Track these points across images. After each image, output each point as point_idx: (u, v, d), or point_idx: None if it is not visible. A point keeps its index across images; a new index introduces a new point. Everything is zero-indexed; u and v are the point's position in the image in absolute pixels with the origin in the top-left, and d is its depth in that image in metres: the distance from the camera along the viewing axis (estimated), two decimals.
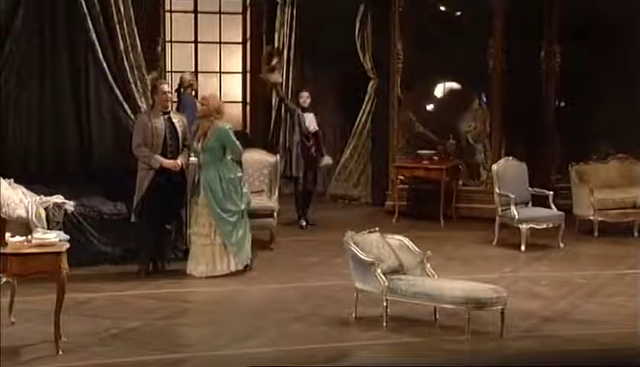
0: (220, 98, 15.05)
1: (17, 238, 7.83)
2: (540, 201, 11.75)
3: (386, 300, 8.33)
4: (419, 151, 13.16)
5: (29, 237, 7.91)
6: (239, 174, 10.10)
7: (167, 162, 9.98)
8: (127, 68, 10.52)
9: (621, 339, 8.19)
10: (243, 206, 10.04)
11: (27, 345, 7.77)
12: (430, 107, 13.70)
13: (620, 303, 9.23)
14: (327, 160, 12.71)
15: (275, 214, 11.36)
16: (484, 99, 13.29)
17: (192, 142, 10.16)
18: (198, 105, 13.80)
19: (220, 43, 15.37)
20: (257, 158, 11.74)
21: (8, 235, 7.68)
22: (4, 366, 7.38)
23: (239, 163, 10.21)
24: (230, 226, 9.96)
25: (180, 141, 10.12)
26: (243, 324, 8.58)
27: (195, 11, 15.18)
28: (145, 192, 9.91)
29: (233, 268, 9.98)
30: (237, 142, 10.12)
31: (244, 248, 10.05)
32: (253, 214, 10.76)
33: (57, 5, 10.71)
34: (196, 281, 9.89)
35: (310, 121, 12.35)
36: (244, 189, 10.14)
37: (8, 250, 7.55)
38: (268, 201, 11.39)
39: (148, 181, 9.93)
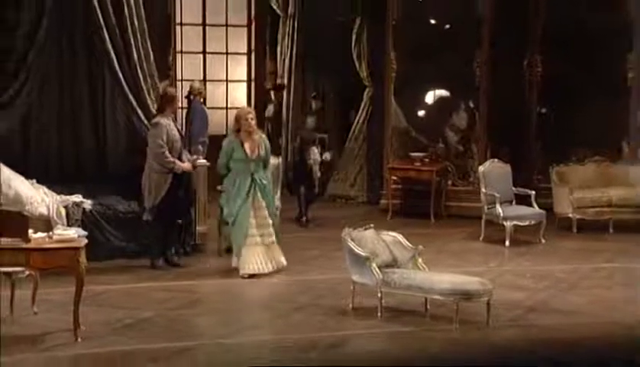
0: (227, 104, 15.20)
1: (40, 235, 7.83)
2: (523, 200, 11.75)
3: (381, 291, 8.33)
4: (411, 154, 13.17)
5: (50, 233, 7.91)
6: (266, 180, 10.12)
7: (185, 166, 10.02)
8: (141, 77, 10.52)
9: (598, 327, 8.21)
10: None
11: (48, 333, 7.78)
12: (421, 113, 13.71)
13: (597, 295, 9.24)
14: (326, 155, 12.92)
15: (278, 212, 11.34)
16: (471, 105, 13.30)
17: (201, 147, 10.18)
18: (206, 111, 13.86)
19: (226, 53, 15.37)
20: None
21: (31, 231, 7.69)
22: (29, 352, 7.39)
23: None
24: (269, 231, 9.91)
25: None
26: (248, 314, 8.58)
27: (204, 24, 15.19)
28: (165, 194, 9.88)
29: (284, 263, 9.93)
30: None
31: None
32: None
33: (77, 18, 10.70)
34: (204, 274, 9.87)
35: (315, 154, 12.47)
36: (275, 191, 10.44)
37: (31, 245, 7.56)
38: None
39: (168, 184, 9.89)
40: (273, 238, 9.91)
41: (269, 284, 9.63)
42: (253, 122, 9.99)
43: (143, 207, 10.05)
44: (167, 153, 9.86)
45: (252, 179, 9.90)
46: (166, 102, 10.08)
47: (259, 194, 9.91)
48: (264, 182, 9.98)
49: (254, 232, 9.82)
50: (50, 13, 10.28)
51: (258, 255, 9.81)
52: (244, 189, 9.87)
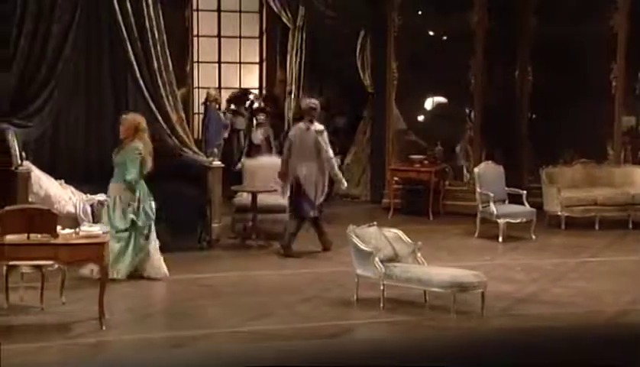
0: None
1: (67, 231, 7.89)
2: (515, 199, 11.75)
3: (383, 284, 8.35)
4: (411, 156, 13.19)
5: (77, 230, 7.97)
6: (137, 195, 8.99)
7: None
8: (161, 84, 10.56)
9: (583, 317, 8.23)
10: (140, 224, 8.94)
11: (75, 321, 7.82)
12: (420, 118, 13.73)
13: (582, 287, 9.25)
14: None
15: (287, 210, 11.37)
16: (466, 111, 13.33)
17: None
18: (221, 116, 13.88)
19: (240, 63, 15.43)
20: (272, 162, 11.78)
21: (59, 227, 7.74)
22: (58, 340, 7.44)
23: (135, 184, 8.97)
24: (114, 240, 8.76)
25: None
26: (258, 305, 8.56)
27: (219, 36, 15.25)
28: None
29: (113, 276, 8.69)
30: (134, 167, 8.91)
31: (122, 263, 8.95)
32: (269, 210, 10.91)
33: (101, 31, 10.77)
34: (218, 268, 9.87)
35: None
36: (144, 210, 9.00)
37: (59, 241, 7.61)
38: (281, 199, 11.39)
39: None
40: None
41: (278, 276, 9.64)
42: (122, 128, 9.08)
43: (313, 203, 10.32)
44: None
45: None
46: (314, 111, 10.48)
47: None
48: (108, 193, 9.12)
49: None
50: (78, 26, 10.34)
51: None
52: None
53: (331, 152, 10.50)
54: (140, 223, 9.05)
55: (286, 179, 10.53)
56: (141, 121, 9.09)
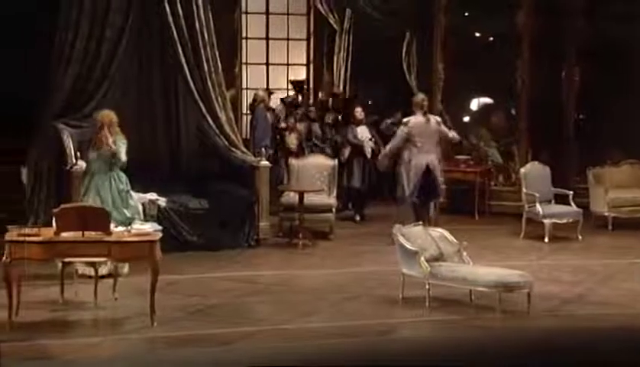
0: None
1: (120, 229, 8.01)
2: (561, 199, 11.65)
3: (428, 283, 8.33)
4: (457, 156, 13.13)
5: (129, 228, 8.08)
6: (128, 187, 9.21)
7: None
8: (210, 86, 10.65)
9: (630, 318, 8.13)
10: (129, 215, 9.00)
11: (127, 317, 7.94)
12: (466, 118, 13.66)
13: (630, 288, 9.14)
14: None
15: (333, 209, 11.41)
16: (513, 112, 13.23)
17: None
18: (269, 117, 13.95)
19: (287, 64, 15.46)
20: (319, 162, 11.82)
21: (112, 225, 7.86)
22: (111, 335, 7.55)
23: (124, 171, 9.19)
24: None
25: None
26: (305, 303, 8.59)
27: (267, 38, 15.30)
28: None
29: (110, 272, 8.56)
30: (124, 152, 9.15)
31: None
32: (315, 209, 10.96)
33: (153, 34, 10.89)
34: (265, 266, 9.94)
35: (363, 131, 12.43)
36: (131, 202, 9.22)
37: (112, 238, 7.72)
38: (327, 198, 11.43)
39: None
40: None
41: (325, 275, 9.66)
42: (100, 122, 9.20)
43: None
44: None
45: (89, 179, 9.30)
46: (425, 102, 11.07)
47: (90, 196, 9.11)
48: (95, 187, 9.15)
49: None
50: (130, 30, 10.48)
51: None
52: None
53: (452, 132, 11.29)
54: (131, 214, 9.00)
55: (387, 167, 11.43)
56: (115, 116, 9.22)
